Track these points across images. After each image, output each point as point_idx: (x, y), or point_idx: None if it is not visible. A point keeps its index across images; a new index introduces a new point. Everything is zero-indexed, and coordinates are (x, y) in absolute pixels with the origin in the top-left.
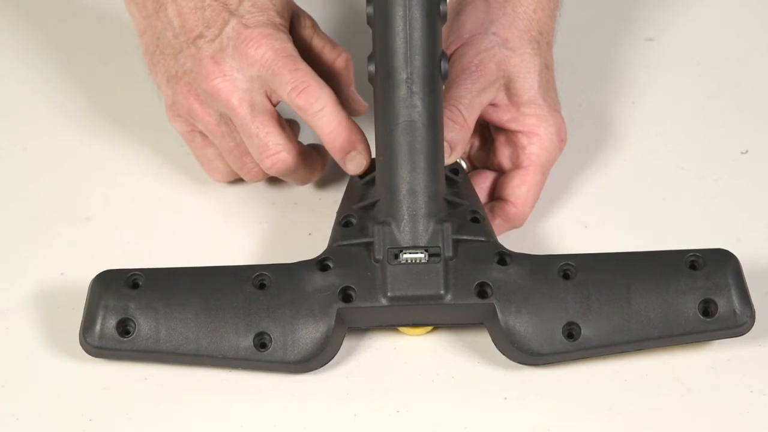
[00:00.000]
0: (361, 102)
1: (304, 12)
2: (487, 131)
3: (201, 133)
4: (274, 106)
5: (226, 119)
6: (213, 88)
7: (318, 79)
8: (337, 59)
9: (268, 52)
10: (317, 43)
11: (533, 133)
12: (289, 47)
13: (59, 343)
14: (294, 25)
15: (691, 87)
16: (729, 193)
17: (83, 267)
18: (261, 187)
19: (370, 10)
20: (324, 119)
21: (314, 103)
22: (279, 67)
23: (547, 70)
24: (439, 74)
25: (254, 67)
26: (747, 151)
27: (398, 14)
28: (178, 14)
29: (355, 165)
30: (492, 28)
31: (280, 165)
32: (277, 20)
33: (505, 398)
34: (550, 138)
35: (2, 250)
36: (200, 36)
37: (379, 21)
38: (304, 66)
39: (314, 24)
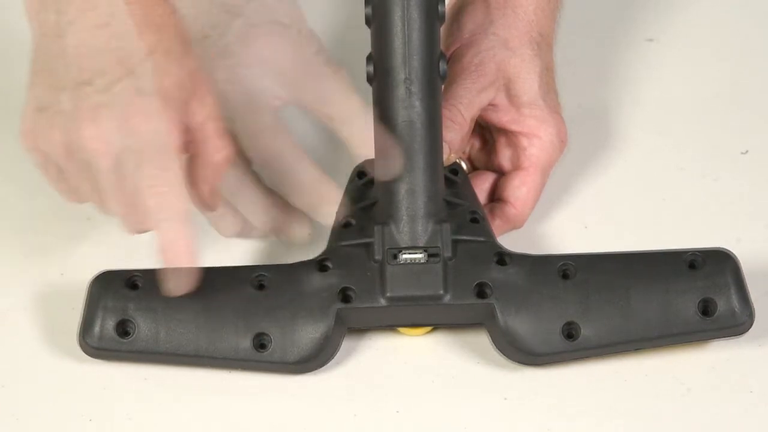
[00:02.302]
0: (216, 201)
1: (209, 88)
2: (487, 132)
3: (55, 165)
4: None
5: (87, 168)
6: (84, 140)
7: (179, 186)
8: (220, 151)
9: (147, 135)
10: (210, 126)
11: (533, 135)
12: (172, 133)
13: (59, 343)
14: (195, 96)
15: (691, 87)
16: (729, 193)
17: (83, 267)
18: None
19: (369, 10)
20: (162, 230)
21: (165, 210)
22: (147, 158)
23: (547, 71)
24: (437, 74)
25: (133, 138)
26: (747, 151)
27: (396, 14)
28: (74, 46)
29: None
30: (492, 29)
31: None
32: (173, 92)
33: (505, 398)
34: (551, 139)
35: (2, 250)
36: (89, 82)
37: (378, 21)
38: (173, 165)
39: (214, 105)
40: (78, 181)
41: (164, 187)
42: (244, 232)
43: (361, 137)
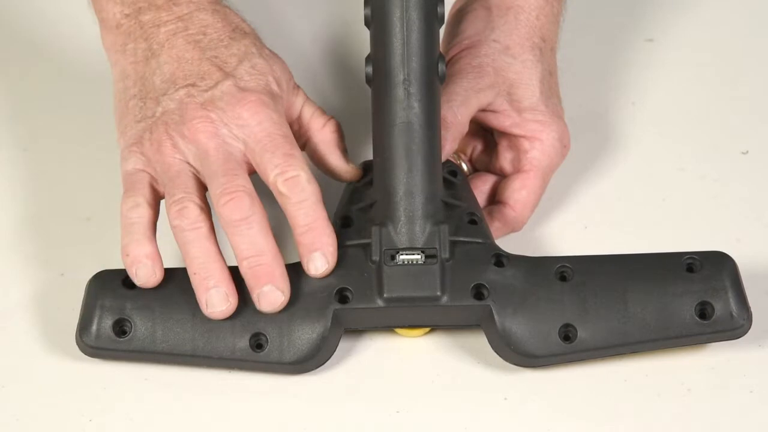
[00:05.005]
0: (348, 169)
1: (296, 84)
2: (490, 135)
3: (150, 175)
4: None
5: (190, 165)
6: (193, 131)
7: (308, 170)
8: (326, 125)
9: (264, 123)
10: (306, 112)
11: (535, 138)
12: (285, 125)
13: (59, 344)
14: (289, 91)
15: (691, 87)
16: (729, 193)
17: (83, 267)
18: (261, 188)
19: (368, 11)
20: (301, 212)
21: (298, 193)
22: (272, 146)
23: (550, 76)
24: (436, 76)
25: (244, 130)
26: (747, 151)
27: (395, 15)
28: (170, 61)
29: (315, 267)
30: (493, 36)
31: (235, 203)
32: (274, 88)
33: (506, 399)
34: (552, 143)
35: (2, 250)
36: (192, 85)
37: (377, 22)
38: (297, 152)
39: (305, 95)
40: (173, 176)
41: (293, 172)
42: None
43: (304, 225)
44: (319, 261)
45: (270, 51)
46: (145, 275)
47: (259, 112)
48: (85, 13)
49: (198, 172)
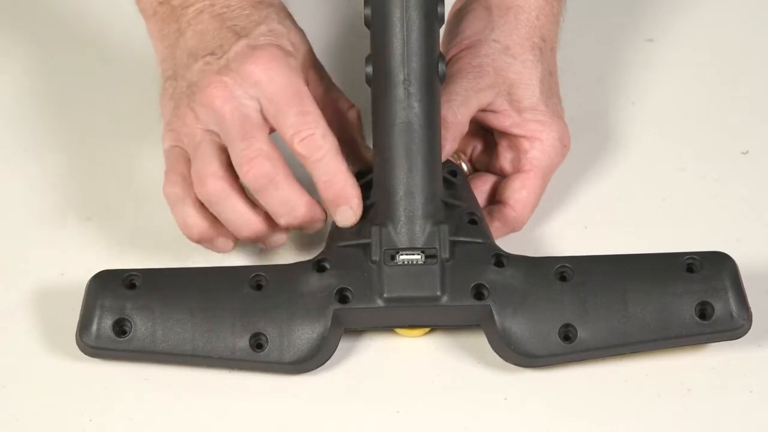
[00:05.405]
0: (367, 157)
1: (320, 63)
2: (490, 135)
3: (181, 149)
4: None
5: (211, 133)
6: (209, 98)
7: (324, 124)
8: (350, 110)
9: (276, 79)
10: (333, 94)
11: (535, 138)
12: (298, 80)
13: (59, 344)
14: (309, 71)
15: (691, 87)
16: (729, 193)
17: (83, 267)
18: None
19: (368, 11)
20: (321, 169)
21: (315, 151)
22: (285, 105)
23: (550, 76)
24: (436, 76)
25: (257, 88)
26: (747, 152)
27: (395, 15)
28: (194, 36)
29: (343, 218)
30: (492, 36)
31: (256, 170)
32: (289, 49)
33: (506, 399)
34: (553, 143)
35: (2, 250)
36: (211, 53)
37: (377, 22)
38: (312, 107)
39: (329, 76)
40: (195, 146)
41: (307, 131)
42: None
43: (325, 181)
44: (347, 213)
45: (293, 23)
46: (218, 248)
47: (271, 68)
48: (89, 11)
49: (220, 138)
